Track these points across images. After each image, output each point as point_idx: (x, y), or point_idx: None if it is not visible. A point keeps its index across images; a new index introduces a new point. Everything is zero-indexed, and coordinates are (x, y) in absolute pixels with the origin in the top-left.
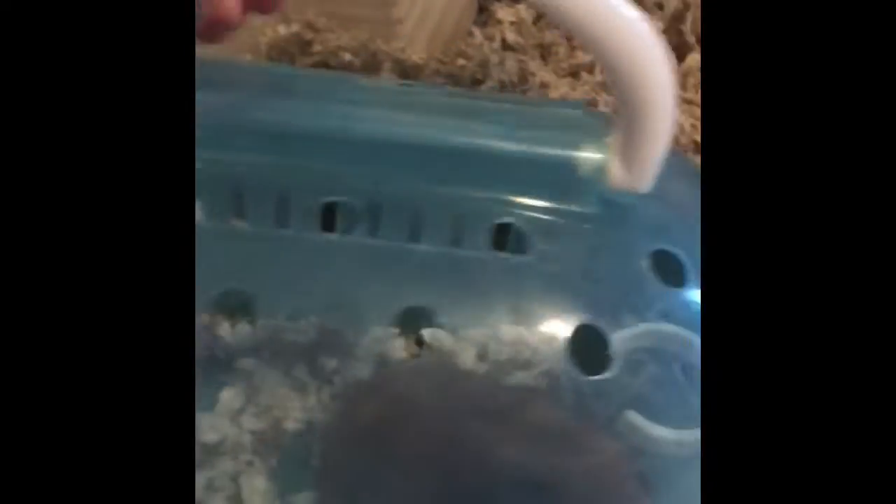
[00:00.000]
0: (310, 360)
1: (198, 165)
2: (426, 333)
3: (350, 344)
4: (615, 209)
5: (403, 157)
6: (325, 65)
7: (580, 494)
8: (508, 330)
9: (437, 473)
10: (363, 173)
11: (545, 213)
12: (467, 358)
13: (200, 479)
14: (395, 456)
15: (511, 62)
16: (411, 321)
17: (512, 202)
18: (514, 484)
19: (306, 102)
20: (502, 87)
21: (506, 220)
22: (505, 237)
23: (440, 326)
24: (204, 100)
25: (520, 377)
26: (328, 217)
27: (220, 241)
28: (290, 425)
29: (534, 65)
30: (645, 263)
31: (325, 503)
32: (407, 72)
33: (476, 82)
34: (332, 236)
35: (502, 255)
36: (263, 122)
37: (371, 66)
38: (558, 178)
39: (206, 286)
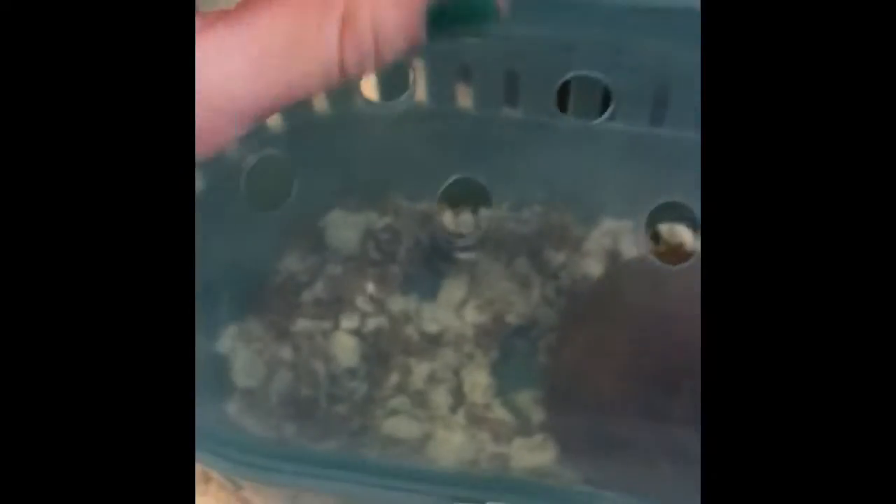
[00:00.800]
0: (533, 254)
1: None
2: (663, 229)
3: (578, 237)
4: None
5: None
6: None
7: None
8: None
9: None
10: (604, 42)
11: None
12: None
13: (423, 369)
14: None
15: None
16: (651, 215)
17: None
18: None
19: None
20: None
21: None
22: None
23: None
24: None
25: None
26: (561, 97)
27: (443, 125)
28: (513, 320)
29: None
30: None
31: (547, 401)
32: None
33: None
34: (565, 119)
35: None
36: None
37: None
38: None
39: (431, 174)
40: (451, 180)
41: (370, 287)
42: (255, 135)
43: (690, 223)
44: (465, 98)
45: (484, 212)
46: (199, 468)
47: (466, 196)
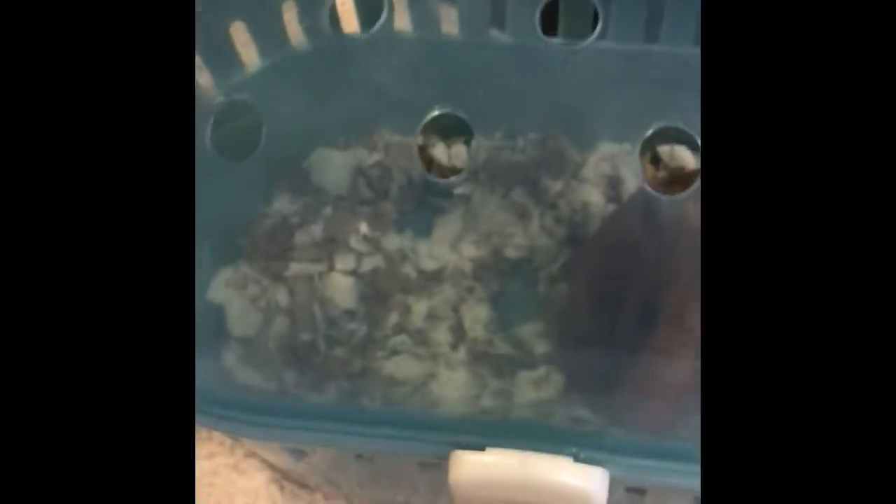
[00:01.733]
0: (530, 183)
1: None
2: (663, 151)
3: (576, 164)
4: None
5: None
6: None
7: None
8: None
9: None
10: None
11: None
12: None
13: (421, 307)
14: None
15: None
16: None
17: None
18: None
19: None
20: None
21: None
22: None
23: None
24: None
25: None
26: (550, 18)
27: (429, 53)
28: (512, 253)
29: None
30: None
31: (549, 334)
32: None
33: None
34: (555, 41)
35: None
36: None
37: None
38: None
39: (417, 106)
40: (435, 113)
41: (363, 226)
42: (228, 78)
43: (691, 144)
44: (449, 23)
45: (477, 142)
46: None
47: (460, 127)
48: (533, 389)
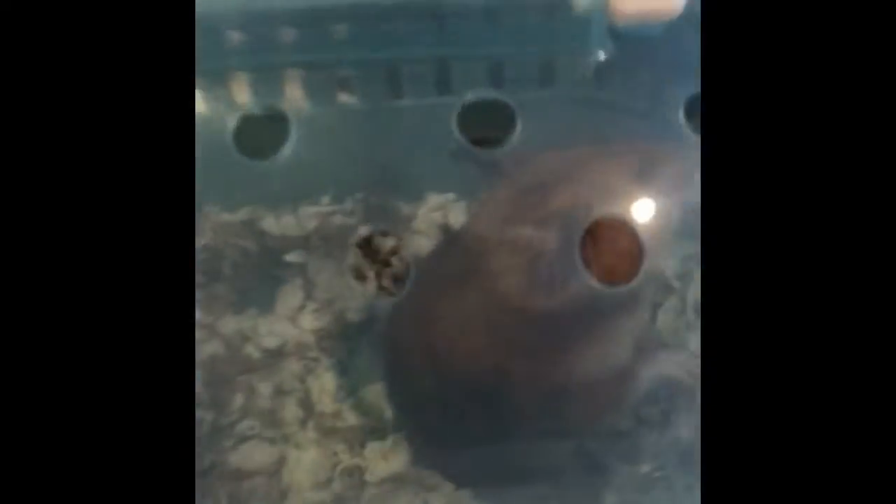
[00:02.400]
0: (364, 244)
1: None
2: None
3: (407, 217)
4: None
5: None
6: None
7: None
8: None
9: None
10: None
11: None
12: None
13: (268, 386)
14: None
15: None
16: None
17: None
18: None
19: None
20: None
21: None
22: None
23: None
24: None
25: None
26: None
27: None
28: (353, 316)
29: None
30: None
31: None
32: None
33: None
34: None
35: None
36: None
37: None
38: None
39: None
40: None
41: (196, 313)
42: None
43: None
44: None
45: (304, 210)
46: None
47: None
48: (384, 462)
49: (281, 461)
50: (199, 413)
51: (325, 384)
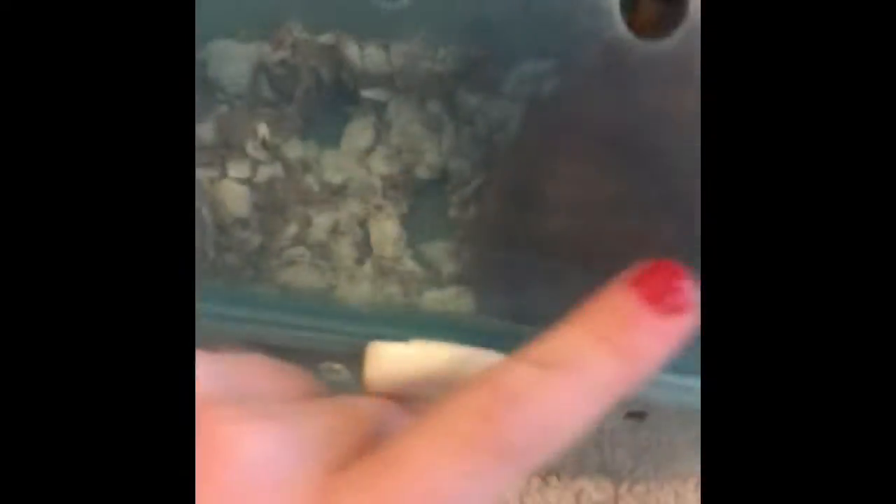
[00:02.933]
0: (447, 96)
1: None
2: None
3: (495, 79)
4: None
5: None
6: None
7: None
8: None
9: None
10: None
11: None
12: None
13: (324, 220)
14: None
15: None
16: None
17: None
18: None
19: None
20: None
21: None
22: None
23: None
24: None
25: None
26: None
27: None
28: (424, 172)
29: None
30: None
31: (460, 253)
32: None
33: None
34: None
35: None
36: None
37: None
38: None
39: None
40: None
41: (263, 130)
42: None
43: None
44: None
45: (395, 47)
46: None
47: (376, 27)
48: (441, 307)
49: (331, 287)
50: (245, 234)
51: (386, 231)
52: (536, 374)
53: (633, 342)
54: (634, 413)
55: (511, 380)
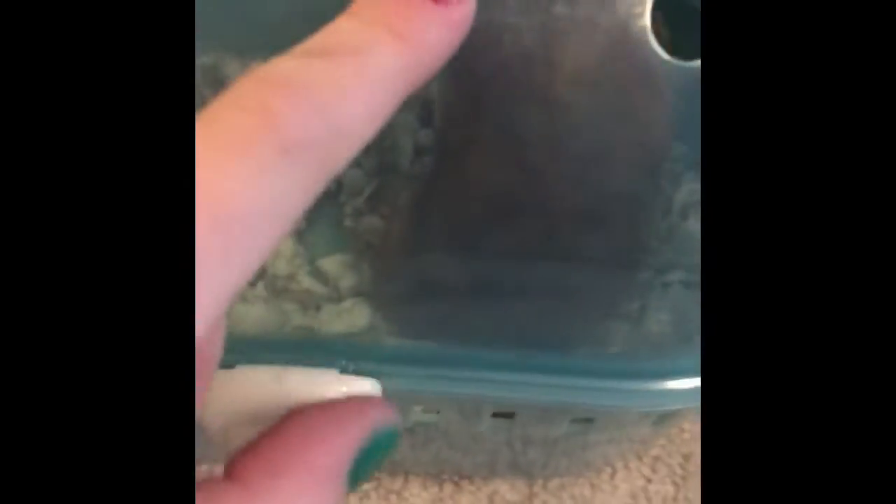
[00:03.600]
0: None
1: None
2: None
3: None
4: None
5: None
6: None
7: None
8: None
9: None
10: None
11: None
12: None
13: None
14: None
15: None
16: None
17: None
18: None
19: None
20: None
21: None
22: None
23: None
24: None
25: None
26: None
27: None
28: None
29: None
30: None
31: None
32: None
33: None
34: None
35: None
36: None
37: None
38: None
39: None
40: None
41: None
42: None
43: None
44: None
45: None
46: None
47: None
48: (338, 320)
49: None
50: None
51: (281, 250)
52: (314, 63)
53: (412, 26)
54: (500, 413)
55: (288, 71)
